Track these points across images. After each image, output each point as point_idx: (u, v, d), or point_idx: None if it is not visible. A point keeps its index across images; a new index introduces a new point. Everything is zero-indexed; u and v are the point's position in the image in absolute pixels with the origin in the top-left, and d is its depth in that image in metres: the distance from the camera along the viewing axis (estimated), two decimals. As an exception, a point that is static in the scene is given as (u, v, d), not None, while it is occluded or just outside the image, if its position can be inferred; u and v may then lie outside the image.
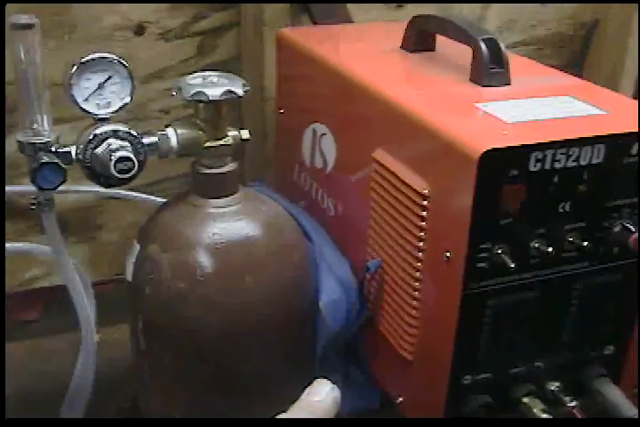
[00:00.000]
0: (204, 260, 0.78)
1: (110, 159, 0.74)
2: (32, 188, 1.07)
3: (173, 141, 0.78)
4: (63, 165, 0.74)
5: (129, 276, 0.82)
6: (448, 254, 0.72)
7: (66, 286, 1.15)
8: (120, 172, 0.74)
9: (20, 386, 1.04)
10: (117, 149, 0.74)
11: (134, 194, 1.10)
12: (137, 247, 0.82)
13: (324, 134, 0.93)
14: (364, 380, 0.93)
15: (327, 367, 0.90)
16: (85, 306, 0.84)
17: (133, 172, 0.75)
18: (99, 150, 0.75)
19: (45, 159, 0.73)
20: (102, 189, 1.06)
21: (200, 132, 0.79)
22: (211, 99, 0.76)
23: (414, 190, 0.75)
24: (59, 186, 0.74)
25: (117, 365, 1.02)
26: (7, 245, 1.04)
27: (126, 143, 0.75)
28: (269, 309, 0.79)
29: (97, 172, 0.75)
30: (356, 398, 0.92)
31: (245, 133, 0.81)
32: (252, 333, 0.79)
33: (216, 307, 0.78)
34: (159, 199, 1.11)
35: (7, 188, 1.09)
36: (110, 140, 0.75)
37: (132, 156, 0.74)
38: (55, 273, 1.18)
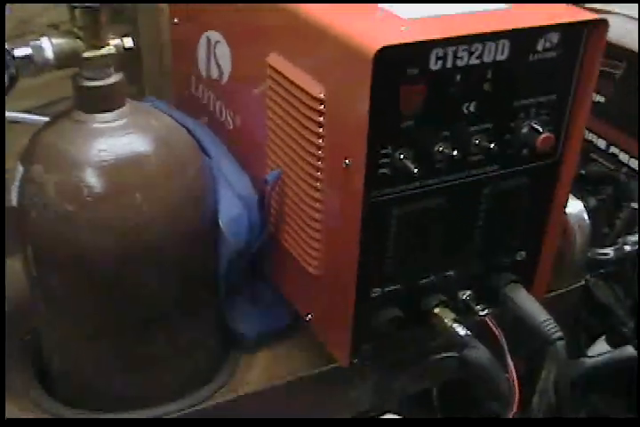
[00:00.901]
0: (92, 179, 0.72)
1: (-24, 73, 0.68)
2: None
3: (48, 53, 0.72)
4: None
5: (14, 201, 0.77)
6: (347, 161, 0.68)
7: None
8: (-12, 86, 0.68)
9: None
10: (-16, 62, 0.68)
11: (24, 115, 1.04)
12: (20, 170, 0.76)
13: (218, 42, 0.87)
14: (273, 299, 0.89)
15: (233, 288, 0.86)
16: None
17: (6, 86, 0.69)
18: (-35, 64, 0.68)
19: None
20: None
21: (78, 41, 0.73)
22: (86, 3, 0.70)
23: (310, 95, 0.70)
24: None
25: (19, 296, 0.97)
26: None
27: (-6, 55, 0.69)
28: (164, 228, 0.75)
29: (-35, 88, 0.69)
30: (264, 317, 0.89)
31: (129, 42, 0.75)
32: (147, 255, 0.75)
33: (106, 229, 0.73)
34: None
35: None
36: (-23, 53, 0.69)
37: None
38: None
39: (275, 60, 0.76)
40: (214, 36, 0.88)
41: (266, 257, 0.87)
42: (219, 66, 0.88)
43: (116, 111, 0.75)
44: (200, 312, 0.83)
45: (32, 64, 0.72)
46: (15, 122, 1.06)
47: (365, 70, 0.63)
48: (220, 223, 0.80)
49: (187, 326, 0.82)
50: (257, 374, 0.88)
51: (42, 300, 0.80)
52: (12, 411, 0.85)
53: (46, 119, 1.02)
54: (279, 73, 0.75)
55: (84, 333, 0.80)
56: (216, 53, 0.88)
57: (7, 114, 1.03)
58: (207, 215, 0.79)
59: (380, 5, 0.72)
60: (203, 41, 0.91)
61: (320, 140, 0.71)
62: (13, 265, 0.93)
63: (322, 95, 0.69)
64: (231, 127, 0.89)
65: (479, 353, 0.76)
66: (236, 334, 0.89)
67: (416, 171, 0.68)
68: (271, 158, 0.80)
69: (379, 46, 0.62)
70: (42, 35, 0.73)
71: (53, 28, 1.08)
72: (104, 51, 0.74)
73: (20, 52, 0.71)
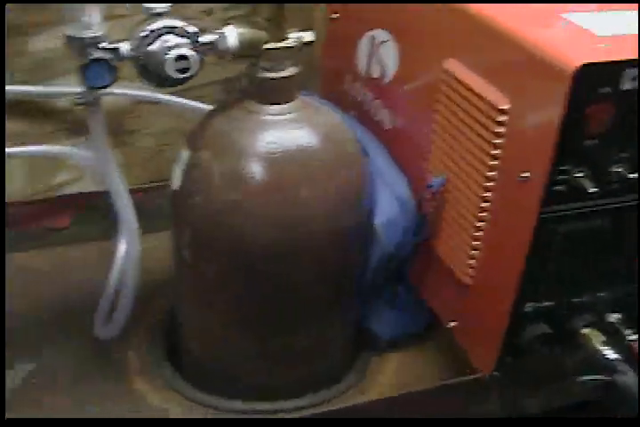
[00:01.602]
0: (259, 170, 0.72)
1: (166, 57, 0.68)
2: (65, 88, 1.03)
3: (232, 41, 0.72)
4: (114, 63, 0.68)
5: (176, 184, 0.77)
6: (526, 175, 0.67)
7: (95, 193, 1.12)
8: (178, 71, 0.68)
9: (51, 295, 1.01)
10: (174, 47, 0.69)
11: (176, 99, 1.05)
12: (186, 154, 0.77)
13: (385, 41, 0.86)
14: (410, 302, 0.89)
15: (375, 289, 0.86)
16: (130, 213, 0.80)
17: (192, 71, 0.69)
18: (154, 47, 0.69)
19: (96, 55, 0.68)
20: (140, 93, 1.02)
21: (262, 33, 0.73)
22: (276, -5, 0.70)
23: (492, 105, 0.69)
24: (109, 85, 0.69)
25: (148, 276, 0.98)
26: (34, 147, 1.00)
27: (184, 40, 0.70)
28: (324, 225, 0.75)
29: (151, 70, 0.70)
30: (403, 320, 0.89)
31: (309, 36, 0.75)
32: (304, 250, 0.75)
33: (269, 220, 0.73)
34: (201, 105, 1.06)
35: (36, 88, 1.04)
36: (166, 37, 0.69)
37: (191, 54, 0.68)
38: (85, 179, 1.13)
39: (453, 65, 0.75)
40: (381, 34, 0.87)
41: (410, 260, 0.86)
42: (382, 65, 0.88)
43: (288, 104, 0.75)
44: (342, 311, 0.84)
45: (214, 51, 0.72)
46: (155, 103, 1.08)
47: (562, 86, 0.62)
48: (375, 224, 0.80)
49: (328, 322, 0.82)
50: (387, 377, 0.88)
51: (191, 284, 0.81)
52: (143, 389, 0.87)
53: (192, 103, 1.04)
54: (457, 79, 0.74)
55: (229, 320, 0.80)
56: (380, 52, 0.88)
57: (148, 94, 1.05)
58: (364, 215, 0.79)
59: (564, 16, 0.71)
60: (366, 39, 0.90)
61: (496, 151, 0.70)
62: (153, 243, 0.94)
63: (505, 106, 0.68)
64: (388, 127, 0.88)
65: (629, 379, 0.74)
66: (370, 335, 0.89)
67: (593, 190, 0.67)
68: (433, 163, 0.79)
69: (579, 63, 0.61)
70: (227, 23, 0.73)
71: (206, 14, 1.09)
72: (285, 43, 0.74)
73: (205, 38, 0.71)
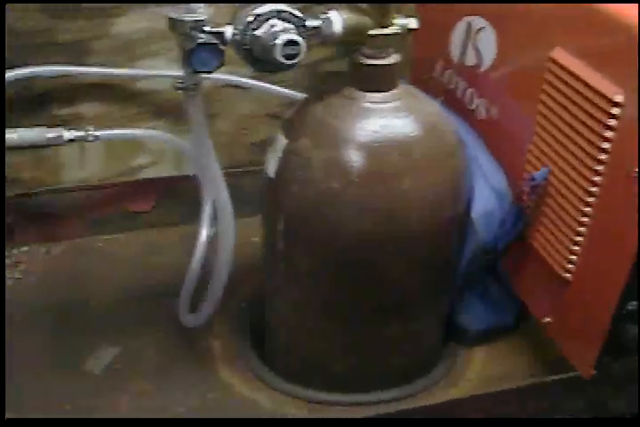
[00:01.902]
0: (361, 159, 0.71)
1: (274, 43, 0.67)
2: (164, 72, 1.02)
3: (337, 26, 0.70)
4: (222, 47, 0.67)
5: (271, 172, 0.76)
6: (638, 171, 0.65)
7: (176, 178, 1.11)
8: (286, 57, 0.67)
9: (133, 280, 1.01)
10: (282, 32, 0.67)
11: (266, 85, 1.04)
12: (283, 141, 0.75)
13: (482, 28, 0.84)
14: (503, 294, 0.88)
15: (468, 281, 0.85)
16: (226, 199, 0.79)
17: (300, 57, 0.68)
18: (260, 32, 0.68)
19: (203, 39, 0.67)
20: (230, 77, 1.01)
21: (366, 19, 0.71)
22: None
23: (604, 96, 0.67)
24: (216, 70, 0.68)
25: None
26: (116, 130, 1.00)
27: (290, 25, 0.68)
28: (425, 217, 0.73)
29: (256, 55, 0.69)
30: (492, 313, 0.87)
31: (413, 23, 0.73)
32: (403, 241, 0.73)
33: (370, 211, 0.72)
34: (291, 92, 1.05)
35: (118, 71, 1.03)
36: (273, 22, 0.68)
37: (299, 39, 0.67)
38: (163, 162, 1.13)
39: (560, 55, 0.73)
40: (478, 21, 0.85)
41: (503, 252, 0.84)
42: (478, 53, 0.86)
43: (390, 92, 0.74)
44: (435, 303, 0.82)
45: (318, 36, 0.71)
46: (237, 87, 1.07)
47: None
48: (472, 216, 0.79)
49: (420, 314, 0.81)
50: (476, 370, 0.87)
51: (283, 273, 0.80)
52: (229, 377, 0.87)
53: (273, 87, 1.03)
54: (565, 69, 0.72)
55: (321, 309, 0.79)
56: (477, 40, 0.86)
57: (238, 79, 1.03)
58: (463, 207, 0.77)
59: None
60: (461, 25, 0.88)
61: (607, 145, 0.68)
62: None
63: (619, 99, 0.66)
64: (483, 117, 0.87)
65: None
66: (459, 327, 0.88)
67: None
68: (534, 155, 0.78)
69: None
70: (330, 8, 0.72)
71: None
72: (389, 30, 0.72)
73: (310, 23, 0.70)
